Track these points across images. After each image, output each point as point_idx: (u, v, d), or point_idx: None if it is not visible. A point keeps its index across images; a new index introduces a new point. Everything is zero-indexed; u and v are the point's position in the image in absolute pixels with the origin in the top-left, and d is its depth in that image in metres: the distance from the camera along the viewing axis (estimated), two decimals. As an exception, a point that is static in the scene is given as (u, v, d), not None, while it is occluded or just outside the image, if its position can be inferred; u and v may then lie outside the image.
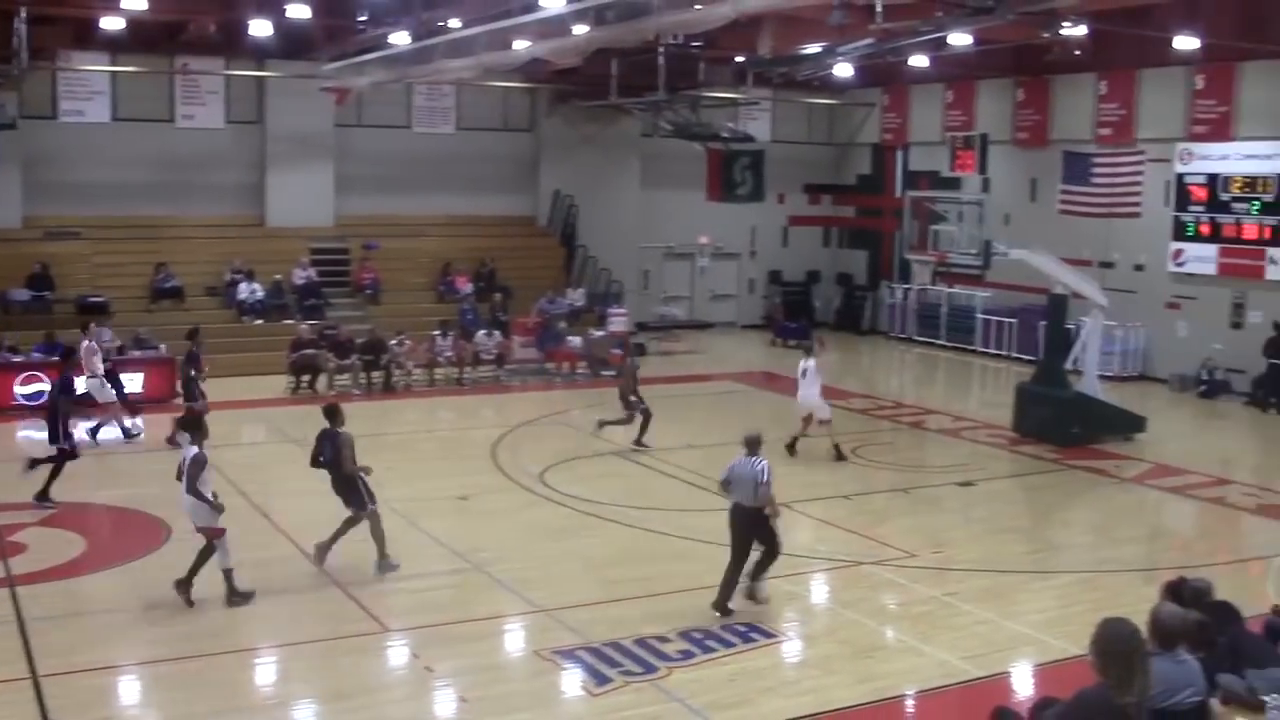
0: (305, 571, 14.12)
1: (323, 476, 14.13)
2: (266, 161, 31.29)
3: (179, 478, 13.14)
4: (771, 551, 13.30)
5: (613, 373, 28.58)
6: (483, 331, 28.33)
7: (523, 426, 22.71)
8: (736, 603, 13.06)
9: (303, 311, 28.78)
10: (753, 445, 13.14)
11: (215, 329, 25.98)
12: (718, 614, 12.82)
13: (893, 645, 12.41)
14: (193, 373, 21.00)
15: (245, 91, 31.17)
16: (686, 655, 11.75)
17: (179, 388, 22.62)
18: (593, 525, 16.46)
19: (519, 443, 21.29)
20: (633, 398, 21.29)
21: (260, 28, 25.89)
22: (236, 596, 13.05)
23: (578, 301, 31.48)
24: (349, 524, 14.10)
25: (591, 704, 10.73)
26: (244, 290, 29.00)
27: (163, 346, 25.35)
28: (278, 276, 29.54)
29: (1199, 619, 9.42)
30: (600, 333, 29.55)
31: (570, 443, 21.86)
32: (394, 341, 26.62)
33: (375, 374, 26.15)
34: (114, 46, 29.01)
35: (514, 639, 12.76)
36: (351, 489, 13.98)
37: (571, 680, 11.25)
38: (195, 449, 13.14)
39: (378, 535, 14.06)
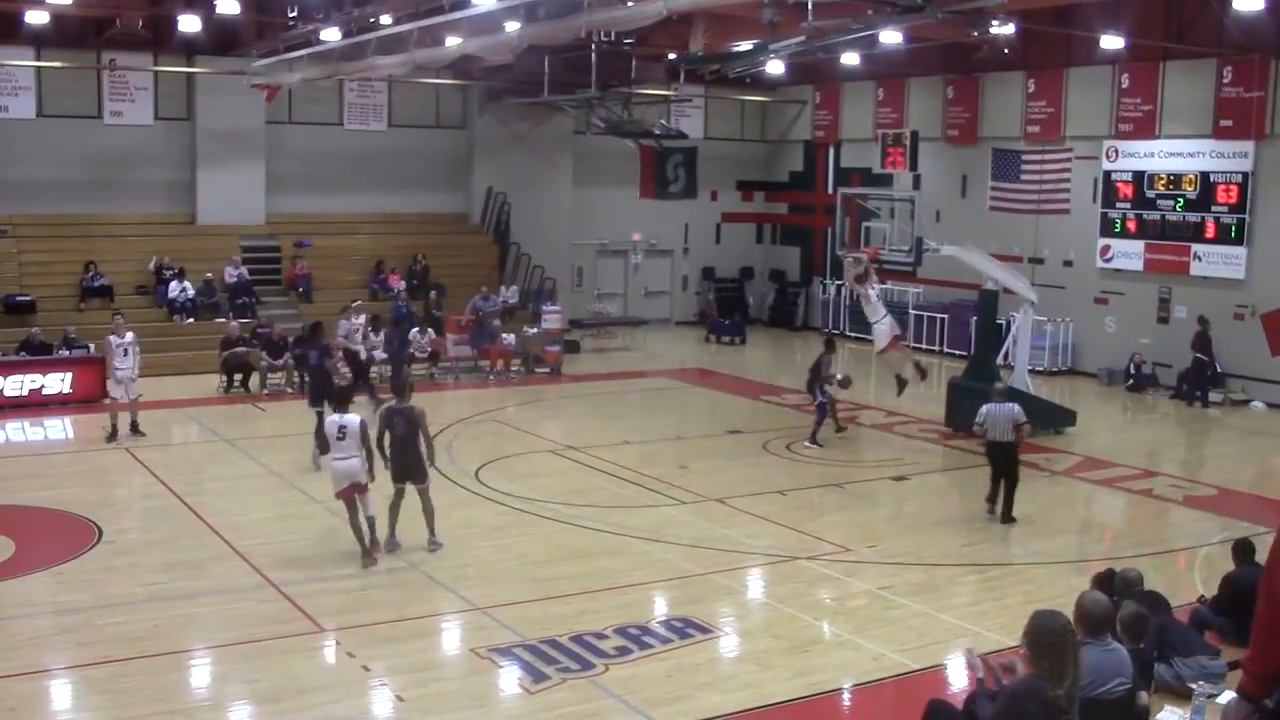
0: (238, 571, 14.02)
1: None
2: (196, 159, 30.91)
3: (324, 451, 14.52)
4: (1015, 481, 16.69)
5: (546, 370, 28.65)
6: (415, 329, 28.19)
7: (457, 424, 22.62)
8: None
9: (234, 310, 28.52)
10: (1000, 393, 16.89)
11: (145, 328, 25.66)
12: (993, 517, 16.71)
13: (828, 639, 12.48)
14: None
15: (174, 88, 30.78)
16: (624, 652, 11.76)
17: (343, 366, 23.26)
18: (528, 523, 16.43)
19: (453, 441, 21.20)
20: (816, 389, 21.72)
21: (189, 23, 25.59)
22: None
23: (511, 299, 31.38)
24: (399, 499, 14.85)
25: (529, 701, 10.71)
26: (174, 289, 28.69)
27: (91, 346, 25.02)
28: (208, 275, 29.24)
29: (1135, 609, 9.58)
30: (534, 330, 29.50)
31: (504, 440, 21.82)
32: (352, 309, 26.20)
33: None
34: (39, 41, 28.66)
35: (450, 637, 12.72)
36: (418, 462, 14.66)
37: (509, 678, 11.22)
38: (355, 417, 14.24)
39: (429, 510, 14.89)
